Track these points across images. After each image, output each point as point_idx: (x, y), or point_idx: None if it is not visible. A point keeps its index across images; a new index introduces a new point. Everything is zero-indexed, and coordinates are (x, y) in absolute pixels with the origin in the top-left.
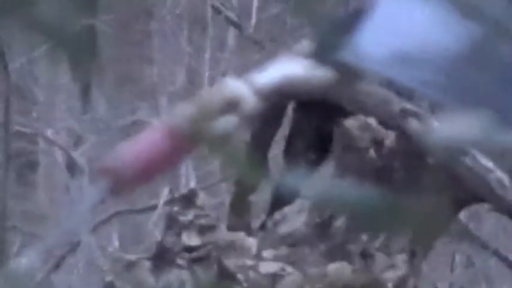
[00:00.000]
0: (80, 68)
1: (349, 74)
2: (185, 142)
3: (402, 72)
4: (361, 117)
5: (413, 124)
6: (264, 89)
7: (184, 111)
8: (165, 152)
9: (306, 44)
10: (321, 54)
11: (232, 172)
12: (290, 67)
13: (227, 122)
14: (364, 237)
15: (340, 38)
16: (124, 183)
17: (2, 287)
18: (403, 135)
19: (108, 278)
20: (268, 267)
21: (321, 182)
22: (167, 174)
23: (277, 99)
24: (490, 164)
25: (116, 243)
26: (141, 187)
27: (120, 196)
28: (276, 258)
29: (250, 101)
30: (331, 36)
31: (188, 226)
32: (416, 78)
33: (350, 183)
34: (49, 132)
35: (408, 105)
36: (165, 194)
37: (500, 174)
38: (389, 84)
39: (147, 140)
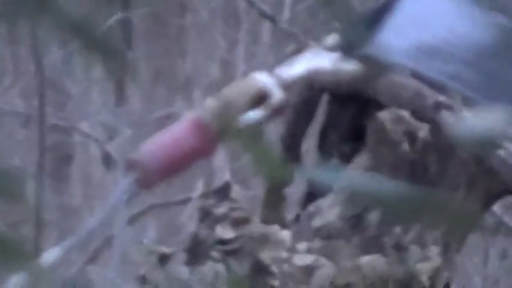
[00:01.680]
0: (114, 63)
1: (376, 67)
2: (213, 135)
3: (429, 66)
4: (395, 110)
5: (446, 117)
6: (291, 82)
7: (212, 104)
8: (193, 145)
9: (334, 38)
10: (348, 47)
11: (263, 166)
12: (317, 61)
13: (254, 116)
14: (398, 229)
15: (367, 32)
16: (152, 176)
17: (33, 280)
18: (437, 128)
19: (142, 271)
20: (302, 259)
21: (355, 175)
22: (200, 166)
23: (307, 93)
24: None
25: (151, 236)
26: (170, 180)
27: (148, 189)
28: (310, 251)
29: (277, 94)
30: (359, 30)
31: (222, 219)
32: (444, 72)
33: (384, 176)
34: (84, 126)
35: (441, 98)
36: (199, 187)
37: None
38: (422, 77)
39: (176, 133)
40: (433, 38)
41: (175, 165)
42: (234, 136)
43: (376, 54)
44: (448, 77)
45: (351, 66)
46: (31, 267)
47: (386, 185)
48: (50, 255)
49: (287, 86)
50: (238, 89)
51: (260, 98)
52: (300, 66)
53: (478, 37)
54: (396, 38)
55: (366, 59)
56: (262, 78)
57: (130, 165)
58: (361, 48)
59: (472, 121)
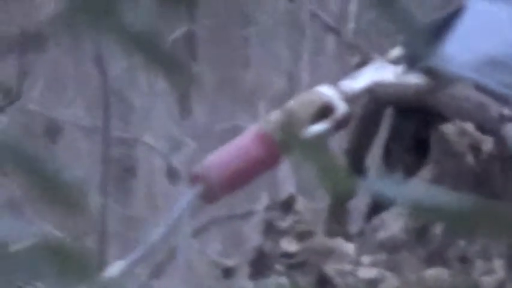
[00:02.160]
0: (178, 75)
1: (439, 80)
2: (277, 147)
3: (493, 77)
4: (459, 123)
5: (511, 129)
6: (355, 95)
7: (276, 117)
8: (257, 157)
9: (398, 50)
10: (412, 60)
11: (327, 178)
12: (380, 73)
13: (319, 128)
14: (462, 242)
15: (431, 44)
16: (216, 189)
17: None
18: (501, 140)
19: (206, 284)
20: (366, 272)
21: (419, 187)
22: (264, 179)
23: (371, 106)
24: None
25: (215, 249)
26: (233, 193)
27: (212, 203)
28: (374, 264)
29: (341, 107)
30: (423, 42)
31: (287, 232)
32: (507, 84)
33: (448, 189)
34: (148, 138)
35: (506, 110)
36: (263, 199)
37: None
38: (486, 89)
39: (240, 146)
40: (497, 49)
41: (239, 178)
42: (298, 148)
43: (439, 66)
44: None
45: (415, 79)
46: (96, 280)
47: (450, 197)
48: (115, 268)
49: (351, 98)
50: (302, 102)
51: (324, 111)
52: (364, 79)
53: None
54: (460, 50)
55: (429, 71)
56: (327, 91)
57: (195, 178)
58: (424, 60)
59: None
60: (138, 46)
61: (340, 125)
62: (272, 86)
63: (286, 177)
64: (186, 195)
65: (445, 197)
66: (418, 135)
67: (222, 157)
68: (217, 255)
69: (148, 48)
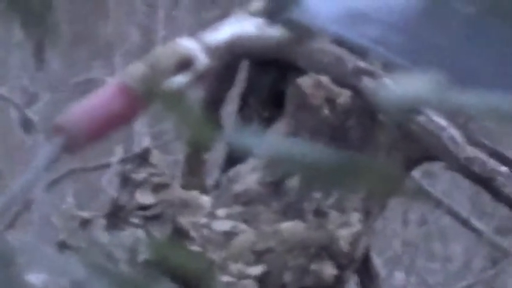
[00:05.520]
0: (34, 26)
1: (301, 32)
2: (138, 100)
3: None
4: (315, 76)
5: (366, 82)
6: (216, 47)
7: (137, 69)
8: (118, 110)
9: (259, 3)
10: (273, 12)
11: (185, 131)
12: (242, 26)
13: (179, 81)
14: (318, 195)
15: None
16: (77, 140)
17: None
18: (357, 93)
19: (62, 236)
20: (222, 225)
21: (275, 140)
22: (121, 131)
23: (229, 58)
24: (443, 122)
25: (71, 201)
26: (95, 144)
27: (73, 153)
28: (229, 217)
29: (202, 59)
30: None
31: (142, 184)
32: (369, 36)
33: (303, 142)
34: (3, 90)
35: (362, 64)
36: (119, 152)
37: (453, 131)
38: (343, 42)
39: (101, 98)
40: (360, 2)
41: (102, 130)
42: (158, 101)
43: (301, 19)
44: (373, 41)
45: (276, 32)
46: None
47: (306, 150)
48: None
49: (212, 51)
50: (163, 54)
51: (185, 63)
52: (225, 32)
53: (405, 1)
54: (322, 2)
55: (291, 24)
56: (187, 44)
57: (56, 130)
58: (286, 13)
59: (393, 87)
60: None
61: (200, 77)
62: (128, 40)
63: (141, 130)
64: (47, 146)
65: (301, 149)
66: (275, 87)
67: (84, 108)
68: (73, 208)
69: None
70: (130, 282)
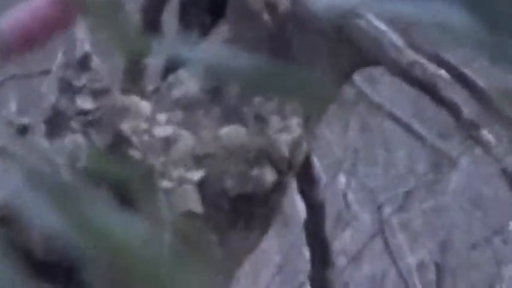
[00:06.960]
0: None
1: None
2: (72, 8)
3: None
4: None
5: None
6: None
7: None
8: (51, 17)
9: None
10: None
11: (121, 38)
12: None
13: None
14: (258, 100)
15: None
16: (10, 49)
17: None
18: (297, 0)
19: (0, 142)
20: (162, 130)
21: (214, 46)
22: (60, 38)
23: None
24: (383, 27)
25: (11, 108)
26: (29, 52)
27: (7, 62)
28: (169, 122)
29: None
30: None
31: (82, 90)
32: None
33: (243, 48)
34: None
35: None
36: (59, 57)
37: (394, 36)
38: None
39: (32, 6)
40: None
41: (35, 38)
42: (92, 8)
43: None
44: None
45: None
46: None
47: (245, 57)
48: None
49: None
50: None
51: None
52: None
53: None
54: None
55: None
56: None
57: None
58: None
59: None
60: None
61: None
62: None
63: (81, 36)
64: None
65: (240, 55)
66: None
67: (17, 16)
68: (12, 114)
69: None
70: (67, 189)
